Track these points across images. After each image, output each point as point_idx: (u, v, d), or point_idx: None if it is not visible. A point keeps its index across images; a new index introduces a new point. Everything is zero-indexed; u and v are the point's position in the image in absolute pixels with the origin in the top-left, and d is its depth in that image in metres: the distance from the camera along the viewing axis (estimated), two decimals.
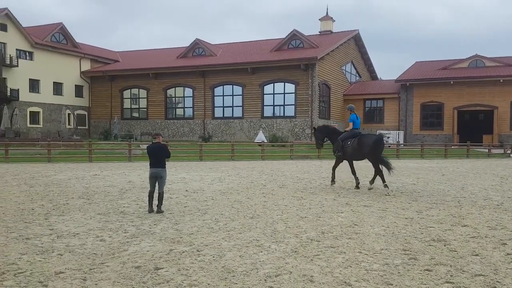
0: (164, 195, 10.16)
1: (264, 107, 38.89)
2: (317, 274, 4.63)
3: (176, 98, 43.20)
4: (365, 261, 5.13)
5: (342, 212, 8.19)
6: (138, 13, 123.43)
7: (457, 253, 5.48)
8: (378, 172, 11.15)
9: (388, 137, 37.50)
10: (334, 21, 45.71)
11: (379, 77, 51.24)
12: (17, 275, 4.50)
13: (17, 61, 38.82)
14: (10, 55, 38.23)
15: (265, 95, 38.86)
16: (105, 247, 5.65)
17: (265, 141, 32.08)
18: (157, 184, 8.23)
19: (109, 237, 6.23)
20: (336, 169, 12.45)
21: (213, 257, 5.22)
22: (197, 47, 44.28)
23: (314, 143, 18.31)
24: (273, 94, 38.58)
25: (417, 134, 39.37)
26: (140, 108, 44.60)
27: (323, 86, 38.47)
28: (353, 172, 11.97)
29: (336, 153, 12.04)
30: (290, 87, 37.72)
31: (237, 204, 9.07)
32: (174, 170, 16.99)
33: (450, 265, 5.00)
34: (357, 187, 11.73)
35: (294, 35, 40.18)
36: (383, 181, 10.98)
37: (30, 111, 40.61)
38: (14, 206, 8.59)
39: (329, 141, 12.73)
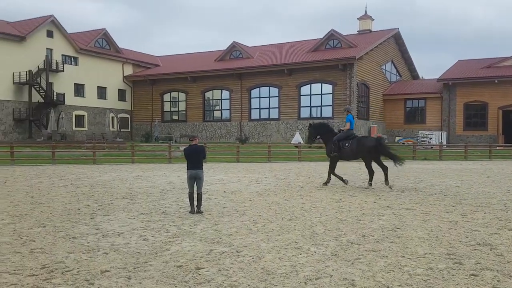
0: (203, 196, 10.34)
1: (301, 108, 38.71)
2: (358, 278, 4.56)
3: (214, 101, 43.79)
4: (408, 265, 5.01)
5: (383, 215, 8.02)
6: (177, 18, 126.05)
7: (504, 258, 5.26)
8: (371, 173, 12.02)
9: (431, 138, 36.39)
10: (373, 20, 44.91)
11: (420, 76, 49.86)
12: (65, 273, 4.69)
13: (63, 66, 40.55)
14: (56, 60, 40.00)
15: (301, 96, 38.69)
16: (148, 246, 5.81)
17: (302, 142, 31.90)
18: (195, 184, 8.38)
19: (152, 236, 6.39)
20: (335, 169, 12.58)
21: (253, 258, 5.25)
22: (234, 50, 44.69)
23: None
24: (310, 95, 38.34)
25: (461, 134, 38.00)
26: (180, 111, 45.52)
27: (361, 86, 37.86)
28: (332, 172, 12.34)
29: (332, 154, 12.26)
30: (328, 88, 37.36)
31: (275, 206, 9.08)
32: (212, 171, 17.22)
33: (497, 270, 4.80)
34: (326, 184, 12.38)
35: (332, 35, 39.78)
36: (371, 179, 11.98)
37: (75, 115, 42.33)
38: (61, 206, 8.97)
39: (320, 139, 13.21)
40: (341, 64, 35.69)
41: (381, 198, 10.12)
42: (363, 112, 38.53)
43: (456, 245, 5.88)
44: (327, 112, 37.28)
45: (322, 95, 37.75)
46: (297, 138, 33.25)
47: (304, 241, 6.13)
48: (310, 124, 13.27)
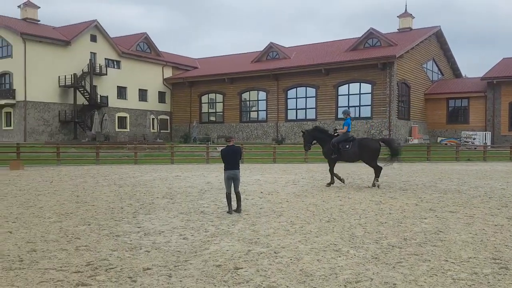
0: (241, 196, 10.42)
1: (339, 108, 38.18)
2: (400, 282, 4.46)
3: (250, 102, 44.00)
4: (451, 269, 4.85)
5: (425, 218, 7.79)
6: (215, 21, 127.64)
7: None
8: (379, 169, 12.23)
9: (474, 139, 35.02)
10: (414, 17, 43.71)
11: (463, 75, 48.06)
12: (108, 271, 4.85)
13: (106, 70, 41.97)
14: (99, 64, 41.46)
15: (339, 96, 38.19)
16: (188, 245, 5.91)
17: None
18: (232, 185, 8.46)
19: (191, 235, 6.50)
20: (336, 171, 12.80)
21: (291, 259, 5.24)
22: (271, 51, 44.74)
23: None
24: (348, 95, 37.78)
25: (506, 135, 36.31)
26: (217, 112, 46.05)
27: (402, 85, 36.91)
28: (332, 171, 12.53)
29: (333, 156, 12.55)
30: (366, 87, 36.66)
31: (312, 207, 9.01)
32: (248, 172, 17.31)
33: None
34: (329, 185, 12.46)
35: (371, 34, 39.04)
36: (378, 176, 12.20)
37: (118, 116, 43.71)
38: (105, 205, 9.29)
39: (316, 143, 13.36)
40: (381, 63, 34.93)
41: (423, 201, 9.83)
42: (404, 112, 37.54)
43: (502, 249, 5.64)
44: (366, 112, 36.59)
45: (361, 95, 37.09)
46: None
47: (343, 243, 6.05)
48: (302, 131, 13.30)
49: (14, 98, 37.52)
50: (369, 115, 36.24)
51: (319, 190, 11.75)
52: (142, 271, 4.80)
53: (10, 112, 38.29)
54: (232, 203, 8.42)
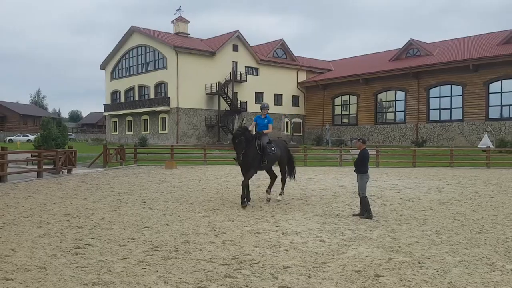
0: (377, 201, 10.08)
1: (489, 107, 34.30)
2: None
3: (387, 102, 42.17)
4: None
5: None
6: (349, 24, 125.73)
7: None
8: (285, 178, 10.54)
9: None
10: None
11: None
12: (252, 265, 5.14)
13: (246, 77, 44.58)
14: (240, 72, 44.24)
15: (490, 95, 34.27)
16: (325, 248, 5.95)
17: (491, 146, 28.20)
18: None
19: (328, 238, 6.52)
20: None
21: (437, 271, 4.89)
22: (411, 48, 42.33)
23: None
24: (501, 92, 33.71)
25: None
26: (350, 114, 45.22)
27: None
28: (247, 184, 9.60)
29: (262, 164, 9.61)
30: None
31: (460, 217, 8.27)
32: (385, 176, 16.63)
33: None
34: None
35: None
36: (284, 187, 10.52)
37: None
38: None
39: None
40: None
41: None
42: None
43: None
44: None
45: None
46: (485, 141, 29.54)
47: (498, 257, 5.44)
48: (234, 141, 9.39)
49: (168, 105, 42.26)
50: None
51: (467, 198, 10.72)
52: (282, 269, 4.98)
53: (165, 118, 43.18)
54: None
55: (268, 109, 10.36)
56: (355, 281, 4.58)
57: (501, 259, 5.37)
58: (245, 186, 9.43)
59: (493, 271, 4.87)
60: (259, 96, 46.45)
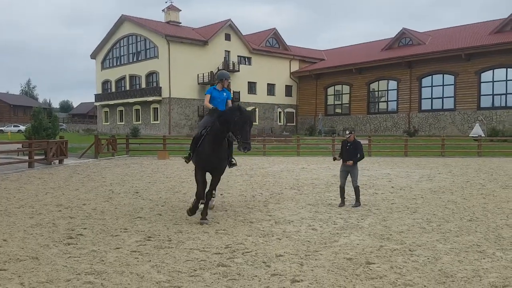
0: (369, 190, 10.16)
1: (481, 97, 34.54)
2: None
3: (379, 92, 42.27)
4: None
5: None
6: (342, 14, 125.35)
7: None
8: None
9: None
10: None
11: None
12: (245, 254, 5.16)
13: (239, 66, 44.34)
14: (232, 61, 43.98)
15: (482, 84, 34.48)
16: (317, 236, 5.99)
17: (483, 135, 28.47)
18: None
19: (320, 227, 6.57)
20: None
21: (428, 258, 4.95)
22: (403, 37, 42.36)
23: None
24: (492, 82, 33.92)
25: None
26: (343, 104, 45.30)
27: None
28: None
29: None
30: None
31: (451, 205, 8.36)
32: (377, 165, 16.72)
33: None
34: None
35: None
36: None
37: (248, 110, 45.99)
38: (238, 193, 9.89)
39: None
40: None
41: None
42: None
43: None
44: None
45: (508, 82, 32.98)
46: (477, 130, 29.80)
47: (488, 244, 5.52)
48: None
49: (160, 95, 41.97)
50: None
51: (458, 187, 10.83)
52: (275, 257, 5.01)
53: (157, 108, 42.93)
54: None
55: (230, 81, 8.14)
56: (346, 268, 4.62)
57: (491, 246, 5.44)
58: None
59: (483, 259, 4.94)
60: (252, 86, 46.31)
